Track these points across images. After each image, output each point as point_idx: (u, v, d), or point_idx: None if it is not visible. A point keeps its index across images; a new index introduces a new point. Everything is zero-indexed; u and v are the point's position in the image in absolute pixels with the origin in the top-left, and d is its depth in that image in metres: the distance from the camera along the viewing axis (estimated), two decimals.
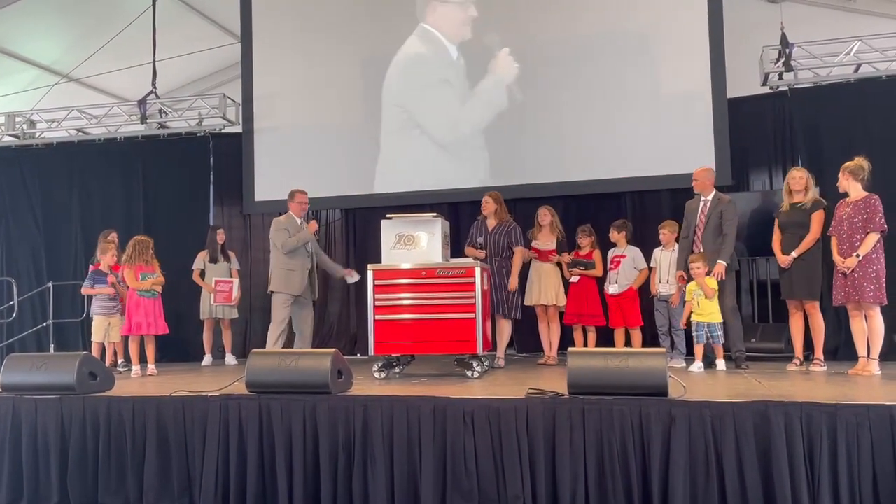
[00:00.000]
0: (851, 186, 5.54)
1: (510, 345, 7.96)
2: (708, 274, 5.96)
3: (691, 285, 6.01)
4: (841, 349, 6.76)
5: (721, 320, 5.94)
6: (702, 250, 6.13)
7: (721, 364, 5.94)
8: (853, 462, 3.52)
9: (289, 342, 6.79)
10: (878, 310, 5.37)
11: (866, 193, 5.47)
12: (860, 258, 5.32)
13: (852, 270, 5.36)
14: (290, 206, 6.87)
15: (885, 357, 5.62)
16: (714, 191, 6.35)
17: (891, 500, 3.49)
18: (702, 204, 6.34)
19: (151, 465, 4.39)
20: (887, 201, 5.55)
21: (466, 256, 6.43)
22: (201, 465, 4.32)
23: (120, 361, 7.25)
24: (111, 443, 4.48)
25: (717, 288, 5.93)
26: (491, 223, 6.69)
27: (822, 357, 5.87)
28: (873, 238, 5.34)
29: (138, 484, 4.42)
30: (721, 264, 6.00)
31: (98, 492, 4.47)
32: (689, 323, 6.13)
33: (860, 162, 5.54)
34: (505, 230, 6.61)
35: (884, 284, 5.35)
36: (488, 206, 6.72)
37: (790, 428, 3.58)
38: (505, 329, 6.71)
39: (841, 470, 3.51)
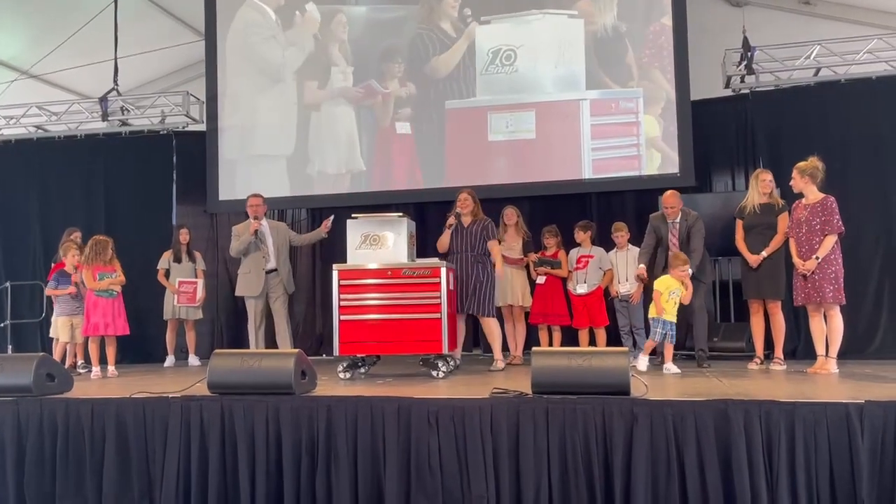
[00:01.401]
0: (808, 189, 5.62)
1: (476, 344, 7.99)
2: None
3: (668, 281, 5.82)
4: (800, 348, 6.88)
5: (675, 321, 5.85)
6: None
7: (672, 367, 5.74)
8: (811, 458, 3.58)
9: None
10: (837, 309, 5.47)
11: (823, 195, 5.56)
12: (819, 260, 5.42)
13: (812, 272, 5.45)
14: (247, 210, 7.07)
15: (842, 356, 5.73)
16: (680, 212, 6.41)
17: (847, 496, 3.56)
18: (670, 226, 6.33)
19: (111, 468, 4.32)
20: (844, 202, 5.65)
21: (432, 257, 6.36)
22: (162, 467, 4.26)
23: (80, 362, 7.13)
24: (69, 445, 4.40)
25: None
26: (466, 220, 6.48)
27: (782, 356, 5.97)
28: (831, 240, 5.43)
29: (97, 487, 4.35)
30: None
31: (56, 495, 4.39)
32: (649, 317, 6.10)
33: (815, 163, 5.63)
34: (481, 225, 6.42)
35: (842, 284, 5.45)
36: (468, 204, 6.49)
37: (749, 426, 3.63)
38: (494, 328, 6.41)
39: (798, 466, 3.57)
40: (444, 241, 6.48)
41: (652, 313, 5.90)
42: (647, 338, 6.34)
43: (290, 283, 7.10)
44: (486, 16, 8.38)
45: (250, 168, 8.90)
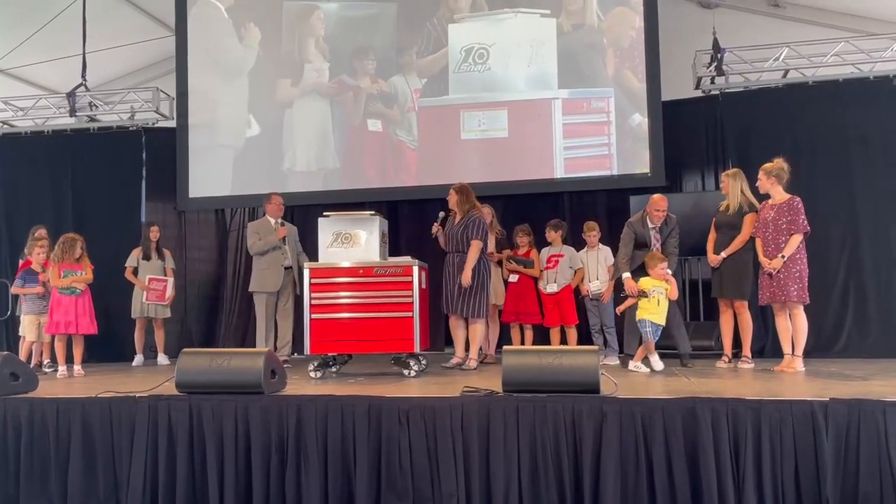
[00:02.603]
0: (774, 190, 5.71)
1: (448, 343, 7.97)
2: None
3: (649, 282, 5.77)
4: (768, 346, 6.97)
5: (663, 323, 5.78)
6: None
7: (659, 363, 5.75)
8: (776, 456, 3.63)
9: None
10: (801, 308, 5.54)
11: (789, 196, 5.64)
12: (785, 259, 5.49)
13: (777, 271, 5.52)
14: (267, 208, 7.22)
15: (809, 354, 5.81)
16: None
17: (811, 493, 3.60)
18: (653, 232, 6.25)
19: (76, 469, 4.26)
20: (810, 202, 5.74)
21: (405, 255, 6.32)
22: (129, 467, 4.20)
23: (46, 361, 7.03)
24: (34, 446, 4.33)
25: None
26: (457, 218, 6.28)
27: (749, 354, 6.04)
28: (797, 239, 5.51)
29: (62, 488, 4.28)
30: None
31: (20, 496, 4.32)
32: (622, 316, 6.17)
33: (780, 164, 5.72)
34: (464, 224, 6.18)
35: (806, 284, 5.53)
36: (451, 199, 6.32)
37: (717, 423, 3.67)
38: (479, 331, 6.18)
39: (764, 463, 3.61)
40: (440, 241, 6.39)
41: (638, 315, 5.78)
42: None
43: (300, 281, 7.07)
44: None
45: (221, 165, 8.84)
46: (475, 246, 6.10)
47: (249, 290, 7.12)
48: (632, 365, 5.78)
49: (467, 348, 6.23)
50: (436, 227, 6.36)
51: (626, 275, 6.03)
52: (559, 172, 8.06)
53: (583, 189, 8.17)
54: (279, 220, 7.12)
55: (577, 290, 6.98)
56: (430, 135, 8.41)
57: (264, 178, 8.66)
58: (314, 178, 8.66)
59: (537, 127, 8.13)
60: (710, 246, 6.18)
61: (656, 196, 6.33)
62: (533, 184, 8.14)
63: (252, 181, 8.69)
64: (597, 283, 6.75)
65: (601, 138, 8.00)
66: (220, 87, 8.93)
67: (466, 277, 6.02)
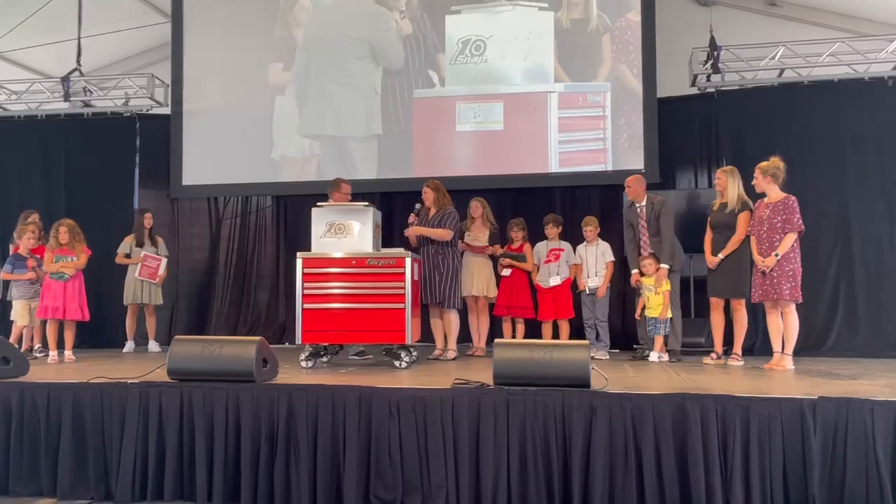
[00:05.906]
0: (770, 188, 5.71)
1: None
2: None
3: (646, 280, 6.36)
4: (758, 344, 7.01)
5: (669, 315, 6.28)
6: (652, 252, 6.44)
7: (654, 356, 6.24)
8: (764, 452, 3.65)
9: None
10: (793, 307, 5.56)
11: (784, 195, 5.65)
12: (779, 257, 5.51)
13: (771, 269, 5.54)
14: (333, 195, 6.72)
15: (798, 353, 5.84)
16: (646, 196, 6.54)
17: (798, 490, 3.63)
18: (639, 210, 6.54)
19: (66, 454, 4.26)
20: (804, 203, 5.75)
21: (398, 247, 6.35)
22: (119, 453, 4.21)
23: (37, 346, 7.02)
24: (24, 430, 4.33)
25: (668, 289, 6.28)
26: (431, 212, 6.56)
27: (740, 352, 6.05)
28: (791, 238, 5.52)
29: (52, 472, 4.29)
30: (664, 269, 6.27)
31: (9, 480, 4.32)
32: (642, 315, 6.49)
33: (776, 163, 5.72)
34: (440, 217, 6.46)
35: (799, 283, 5.54)
36: (427, 195, 6.59)
37: (706, 419, 3.69)
38: (453, 320, 6.50)
39: (752, 460, 3.64)
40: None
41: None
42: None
43: None
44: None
45: (216, 153, 8.80)
46: (445, 231, 6.40)
47: None
48: (652, 356, 6.29)
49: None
50: (412, 218, 6.58)
51: (634, 271, 6.54)
52: (554, 166, 8.07)
53: (577, 184, 8.17)
54: None
55: (573, 284, 7.00)
56: (425, 126, 8.39)
57: (258, 167, 8.66)
58: (308, 165, 8.63)
59: (533, 120, 8.13)
60: (707, 247, 6.15)
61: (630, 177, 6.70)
62: (528, 178, 8.14)
63: (245, 170, 8.67)
64: (595, 280, 6.79)
65: (597, 132, 8.01)
66: (215, 74, 8.87)
67: (414, 232, 6.39)
